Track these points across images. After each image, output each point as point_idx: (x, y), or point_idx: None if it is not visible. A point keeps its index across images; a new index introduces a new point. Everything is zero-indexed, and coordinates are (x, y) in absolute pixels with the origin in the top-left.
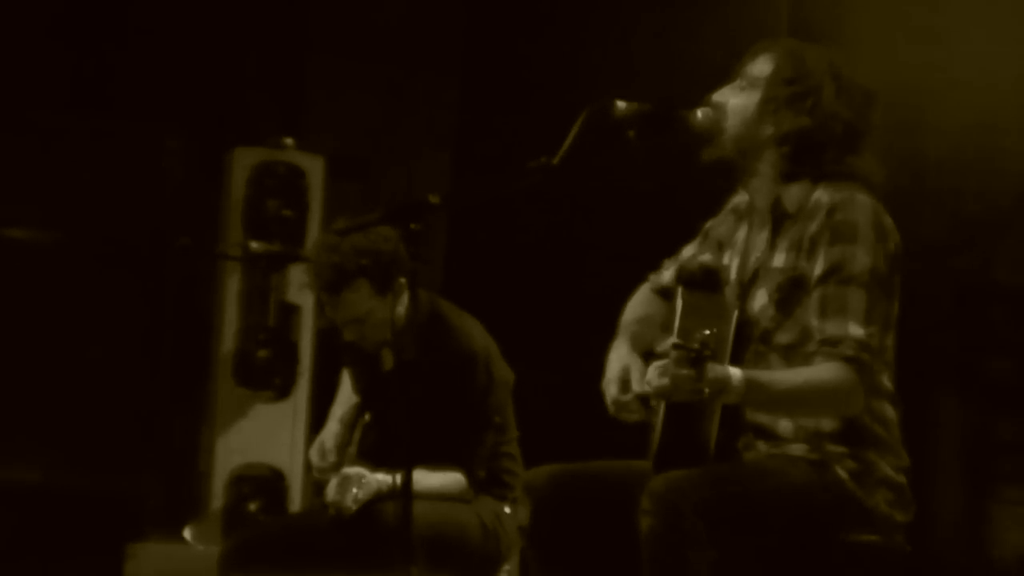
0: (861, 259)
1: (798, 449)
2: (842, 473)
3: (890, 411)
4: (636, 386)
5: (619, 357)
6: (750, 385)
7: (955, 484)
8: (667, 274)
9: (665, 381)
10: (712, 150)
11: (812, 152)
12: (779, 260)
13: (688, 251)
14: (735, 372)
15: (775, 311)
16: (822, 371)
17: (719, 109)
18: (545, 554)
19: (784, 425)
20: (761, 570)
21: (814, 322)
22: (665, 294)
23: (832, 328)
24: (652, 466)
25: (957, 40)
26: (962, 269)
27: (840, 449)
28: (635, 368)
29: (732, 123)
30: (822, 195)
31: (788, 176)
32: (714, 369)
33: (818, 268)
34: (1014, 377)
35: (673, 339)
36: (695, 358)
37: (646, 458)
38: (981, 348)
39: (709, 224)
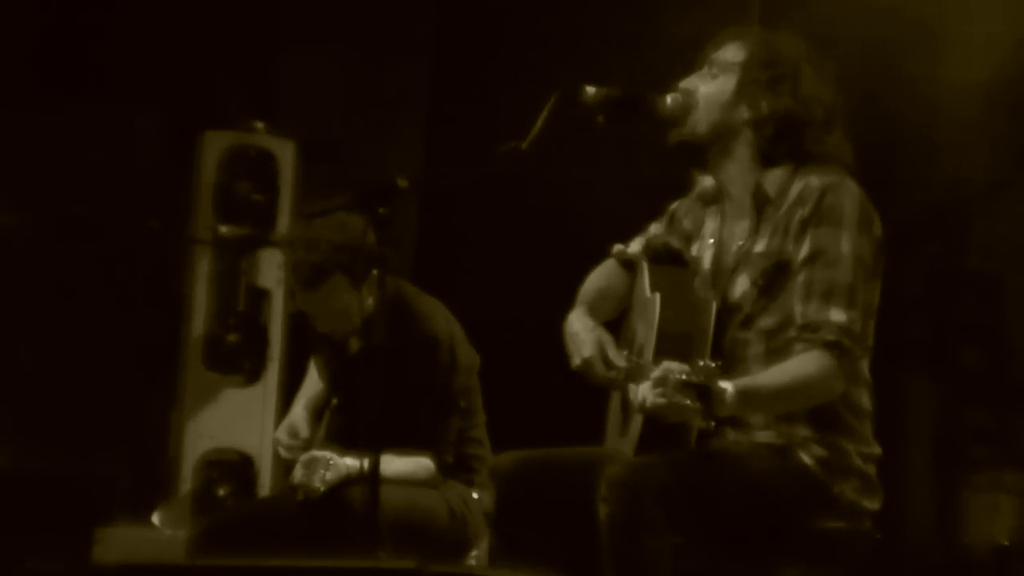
0: (847, 243)
1: (764, 436)
2: (807, 459)
3: (866, 400)
4: (619, 363)
5: (586, 327)
6: (741, 396)
7: (926, 471)
8: (634, 245)
9: (662, 402)
10: (680, 131)
11: (793, 133)
12: (761, 246)
13: (654, 229)
14: (727, 387)
15: (758, 296)
16: (805, 364)
17: (688, 95)
18: (509, 540)
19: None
20: (723, 557)
21: (797, 306)
22: (629, 266)
23: (814, 313)
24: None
25: (929, 24)
26: (933, 255)
27: (808, 434)
28: (610, 346)
29: (706, 109)
30: (811, 179)
31: (767, 158)
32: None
33: (804, 251)
34: (985, 364)
35: (679, 366)
36: (700, 392)
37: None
38: (952, 335)
39: (675, 205)
